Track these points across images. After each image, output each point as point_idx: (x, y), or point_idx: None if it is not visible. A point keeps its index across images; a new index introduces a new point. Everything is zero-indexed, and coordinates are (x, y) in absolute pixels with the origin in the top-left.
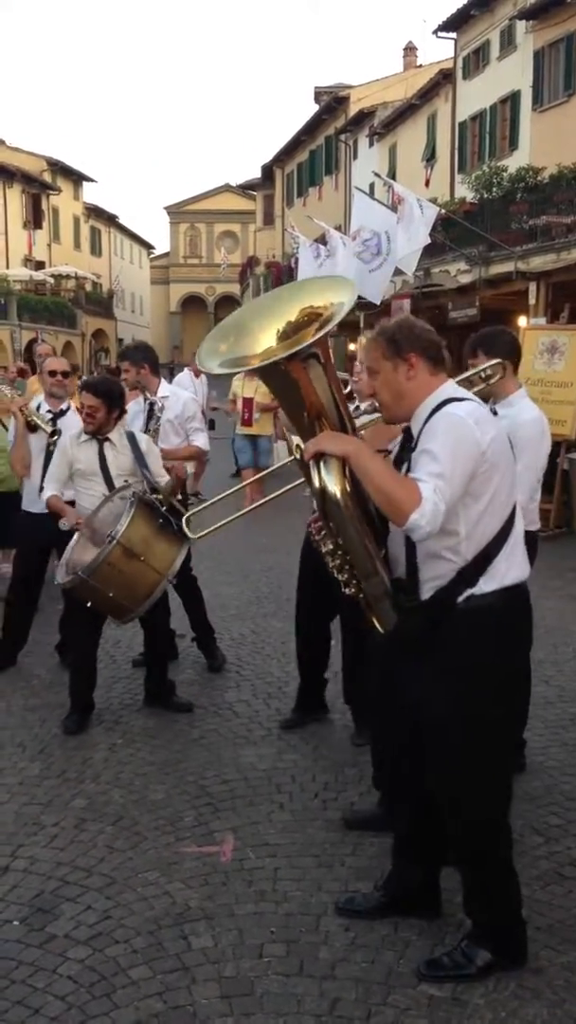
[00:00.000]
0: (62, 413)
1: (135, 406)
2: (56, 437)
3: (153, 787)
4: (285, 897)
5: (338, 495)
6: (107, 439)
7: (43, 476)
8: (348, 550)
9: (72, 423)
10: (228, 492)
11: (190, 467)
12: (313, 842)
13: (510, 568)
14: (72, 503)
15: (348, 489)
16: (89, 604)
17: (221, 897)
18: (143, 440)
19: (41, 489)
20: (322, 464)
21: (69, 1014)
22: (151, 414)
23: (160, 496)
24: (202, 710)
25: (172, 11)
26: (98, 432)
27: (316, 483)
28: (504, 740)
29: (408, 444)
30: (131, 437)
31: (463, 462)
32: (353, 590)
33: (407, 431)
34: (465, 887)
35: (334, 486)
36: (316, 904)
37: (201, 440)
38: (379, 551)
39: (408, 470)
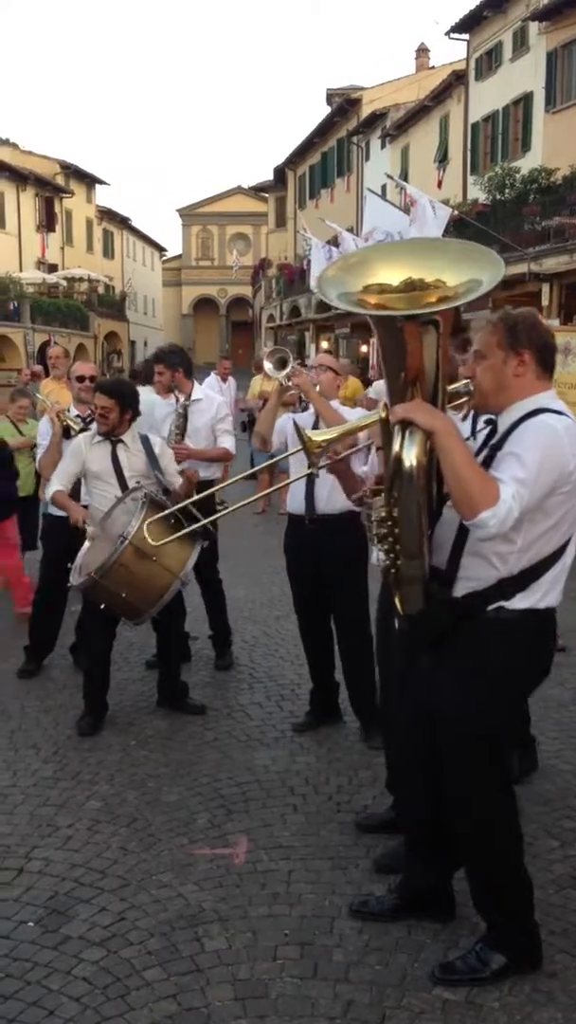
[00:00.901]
0: (90, 418)
1: (166, 407)
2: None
3: (167, 789)
4: (299, 899)
5: (413, 467)
6: (120, 440)
7: None
8: (401, 523)
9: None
10: (250, 500)
11: (217, 471)
12: (327, 844)
13: (548, 593)
14: (85, 507)
15: (425, 465)
16: (103, 606)
17: (235, 899)
18: (156, 442)
19: None
20: (407, 432)
21: (84, 1015)
22: (183, 416)
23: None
24: (215, 712)
25: (185, 14)
26: (111, 433)
27: (396, 449)
28: (504, 743)
29: (490, 439)
30: (144, 439)
31: (547, 475)
32: (388, 562)
33: (491, 423)
34: (476, 890)
35: (412, 458)
36: (330, 906)
37: (229, 443)
38: (428, 533)
39: (485, 465)
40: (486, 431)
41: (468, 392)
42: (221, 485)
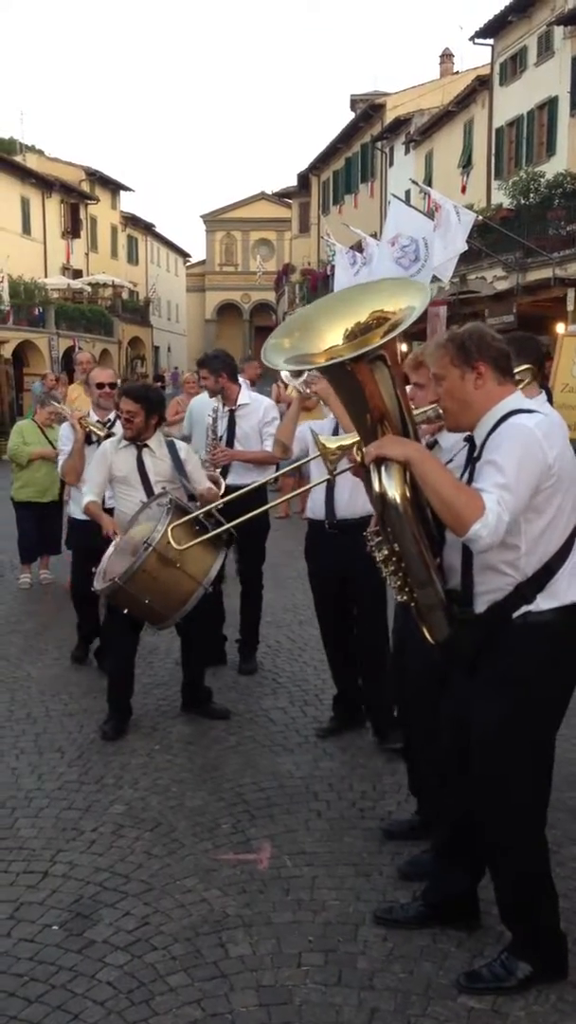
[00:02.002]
0: (111, 423)
1: (207, 406)
2: None
3: (190, 794)
4: (323, 906)
5: (398, 500)
6: (146, 445)
7: None
8: (404, 557)
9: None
10: (274, 503)
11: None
12: (351, 851)
13: (571, 586)
14: (109, 511)
15: (408, 495)
16: (126, 611)
17: (259, 905)
18: (182, 447)
19: None
20: (383, 468)
21: (108, 1020)
22: (231, 421)
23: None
24: (239, 717)
25: (210, 21)
26: (137, 438)
27: (376, 487)
28: (545, 756)
29: (471, 454)
30: (170, 444)
31: (528, 475)
32: (406, 597)
33: (470, 440)
34: (502, 899)
35: (394, 491)
36: (354, 913)
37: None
38: (435, 560)
39: (470, 480)
40: (465, 448)
41: (438, 416)
42: (238, 493)
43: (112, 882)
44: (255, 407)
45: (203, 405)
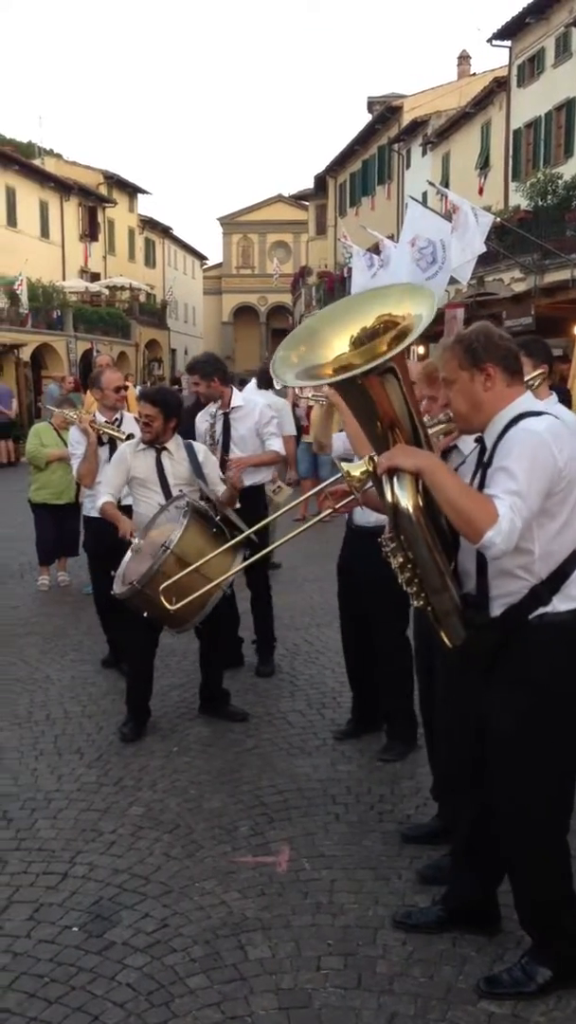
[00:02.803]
0: (119, 422)
1: (206, 417)
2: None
3: (209, 796)
4: (342, 909)
5: (410, 510)
6: (164, 448)
7: None
8: (418, 564)
9: (127, 431)
10: (290, 506)
11: (267, 475)
12: (370, 854)
13: None
14: (128, 508)
15: (421, 504)
16: (145, 614)
17: (277, 908)
18: (200, 449)
19: None
20: (395, 479)
21: (128, 1022)
22: (225, 424)
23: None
24: (257, 719)
25: (227, 24)
26: (155, 441)
27: (389, 498)
28: (565, 758)
29: (481, 457)
30: (188, 446)
31: (539, 479)
32: (421, 603)
33: (480, 442)
34: (522, 904)
35: (407, 501)
36: (373, 917)
37: (277, 445)
38: (449, 566)
39: (481, 485)
40: (476, 450)
41: (448, 420)
42: (279, 513)
43: (131, 884)
44: (249, 409)
45: (202, 419)
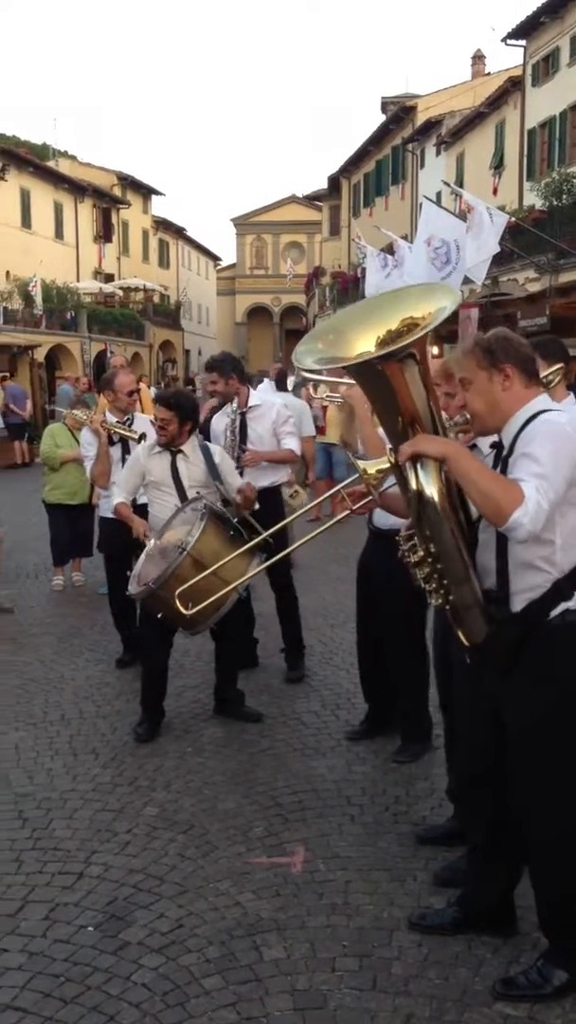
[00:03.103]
0: (128, 422)
1: (224, 416)
2: (144, 440)
3: (223, 797)
4: (357, 910)
5: (436, 498)
6: (180, 451)
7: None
8: (441, 555)
9: (139, 430)
10: (306, 508)
11: (284, 475)
12: (385, 856)
13: None
14: (143, 508)
15: (445, 491)
16: (160, 615)
17: (292, 909)
18: (216, 451)
19: None
20: (419, 465)
21: (144, 1022)
22: (242, 423)
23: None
24: (271, 720)
25: (240, 24)
26: (171, 444)
27: (413, 485)
28: None
29: (499, 455)
30: (204, 448)
31: (564, 465)
32: (440, 600)
33: (496, 446)
34: (544, 906)
35: (431, 488)
36: (388, 918)
37: (293, 443)
38: (471, 557)
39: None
40: (492, 455)
41: (467, 421)
42: (295, 516)
43: (146, 884)
44: (266, 409)
45: (219, 419)
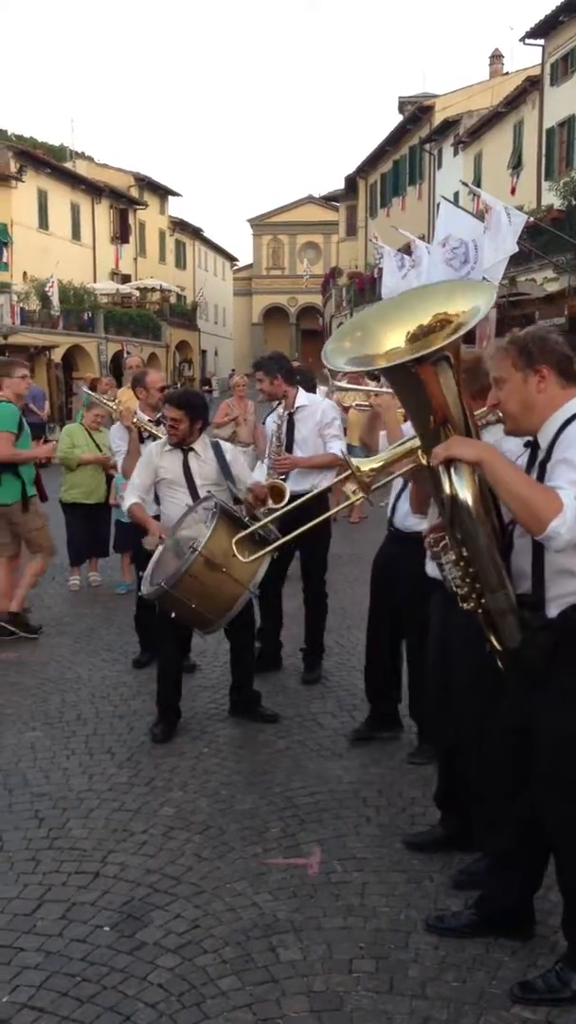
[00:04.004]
0: (159, 423)
1: (275, 418)
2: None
3: (240, 797)
4: (374, 912)
5: (470, 502)
6: (191, 449)
7: None
8: (474, 560)
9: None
10: (330, 513)
11: (327, 479)
12: (402, 857)
13: None
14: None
15: (480, 496)
16: (173, 615)
17: (309, 910)
18: (227, 449)
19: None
20: (453, 470)
21: (160, 1022)
22: (289, 425)
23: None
24: (287, 721)
25: (258, 26)
26: (182, 443)
27: (447, 489)
28: None
29: (534, 456)
30: (216, 446)
31: None
32: (472, 604)
33: (532, 444)
34: (571, 912)
35: (466, 492)
36: (405, 920)
37: (337, 447)
38: (504, 563)
39: (540, 481)
40: (526, 455)
41: (498, 420)
42: (298, 502)
43: (162, 884)
44: (313, 409)
45: (271, 420)
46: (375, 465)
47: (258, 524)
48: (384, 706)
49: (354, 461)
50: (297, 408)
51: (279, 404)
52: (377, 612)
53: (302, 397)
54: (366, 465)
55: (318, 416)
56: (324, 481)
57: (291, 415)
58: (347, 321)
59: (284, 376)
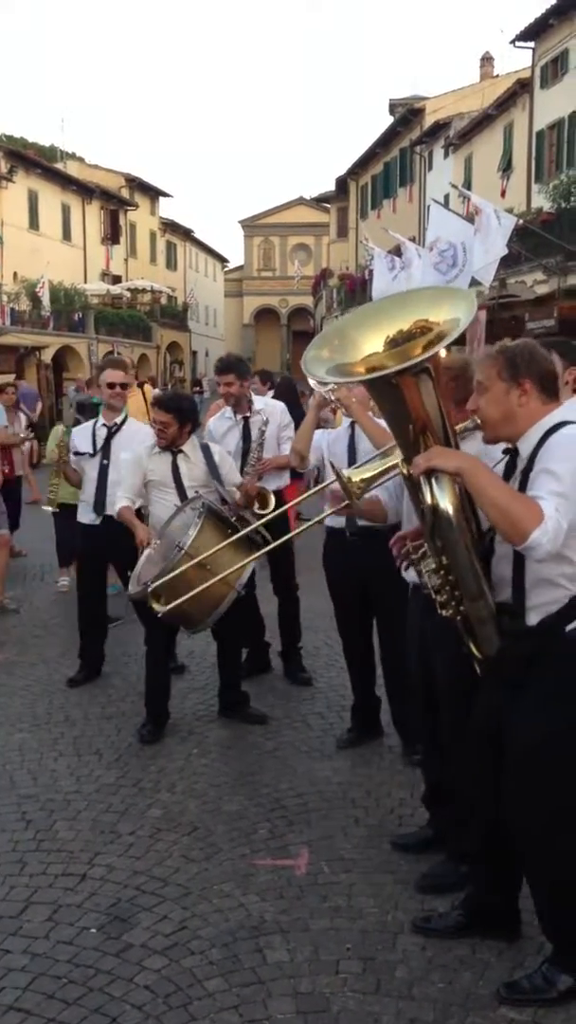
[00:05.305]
0: (117, 427)
1: (228, 422)
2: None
3: (228, 798)
4: (361, 913)
5: (451, 512)
6: (180, 451)
7: (96, 491)
8: (454, 569)
9: (126, 438)
10: (308, 525)
11: (286, 481)
12: (389, 858)
13: None
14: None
15: (460, 507)
16: (160, 615)
17: (296, 911)
18: (216, 450)
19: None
20: (434, 480)
21: None
22: (245, 429)
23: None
24: (276, 722)
25: (247, 28)
26: (171, 446)
27: (428, 499)
28: None
29: (512, 465)
30: (205, 448)
31: None
32: (450, 612)
33: (512, 452)
34: (543, 911)
35: (447, 503)
36: (392, 921)
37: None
38: (484, 571)
39: (521, 491)
40: (505, 461)
41: (477, 426)
42: (296, 501)
43: (150, 886)
44: (269, 412)
45: (219, 422)
46: (366, 476)
47: (249, 528)
48: (368, 710)
49: (344, 472)
50: (253, 413)
51: (234, 410)
52: (341, 619)
53: (258, 402)
54: (357, 476)
55: (277, 419)
56: (281, 483)
57: (247, 419)
58: (327, 326)
59: (252, 381)
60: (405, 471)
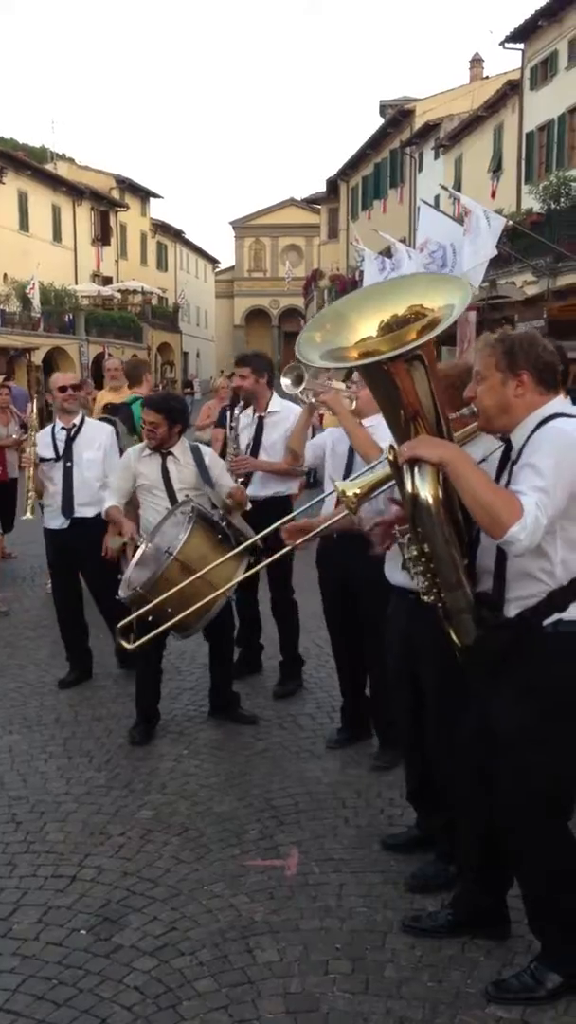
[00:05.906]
0: (76, 428)
1: (244, 419)
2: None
3: (218, 799)
4: (350, 913)
5: (430, 502)
6: (170, 453)
7: (62, 495)
8: (434, 559)
9: (87, 439)
10: (309, 536)
11: (294, 486)
12: (379, 858)
13: None
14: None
15: (441, 496)
16: (150, 618)
17: (286, 911)
18: (207, 453)
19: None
20: (416, 469)
21: None
22: (259, 428)
23: (221, 511)
24: (267, 723)
25: (238, 29)
26: (160, 447)
27: (408, 488)
28: (569, 765)
29: (507, 456)
30: (195, 450)
31: (566, 479)
32: (433, 598)
33: (506, 441)
34: (531, 909)
35: (427, 493)
36: (382, 921)
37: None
38: (464, 562)
39: (508, 484)
40: (499, 449)
41: (473, 415)
42: (294, 513)
43: (140, 887)
44: (285, 415)
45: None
46: (358, 490)
47: (248, 542)
48: (356, 711)
49: (339, 484)
50: (269, 412)
51: (248, 405)
52: (329, 618)
53: (276, 402)
54: (350, 489)
55: (290, 422)
56: (285, 489)
57: (262, 419)
58: (324, 310)
59: (268, 377)
60: (391, 457)
